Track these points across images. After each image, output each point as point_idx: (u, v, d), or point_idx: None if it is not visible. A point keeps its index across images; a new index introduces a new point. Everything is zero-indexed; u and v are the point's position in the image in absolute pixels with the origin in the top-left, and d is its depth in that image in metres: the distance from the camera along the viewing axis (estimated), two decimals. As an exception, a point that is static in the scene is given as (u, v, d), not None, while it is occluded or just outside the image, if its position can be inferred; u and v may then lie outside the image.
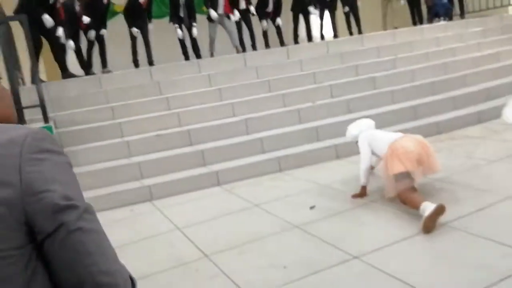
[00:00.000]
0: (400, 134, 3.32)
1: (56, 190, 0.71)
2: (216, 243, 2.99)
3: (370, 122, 3.69)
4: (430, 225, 2.68)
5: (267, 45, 7.87)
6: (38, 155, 0.72)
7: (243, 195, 3.96)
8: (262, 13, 7.80)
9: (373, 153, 3.40)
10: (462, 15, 9.07)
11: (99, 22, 6.60)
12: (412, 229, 2.76)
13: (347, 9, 8.31)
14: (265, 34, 7.93)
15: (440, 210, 2.71)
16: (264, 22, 7.82)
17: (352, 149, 4.74)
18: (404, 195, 2.96)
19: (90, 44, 6.68)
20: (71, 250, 0.72)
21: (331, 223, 3.09)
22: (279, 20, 7.89)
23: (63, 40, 5.81)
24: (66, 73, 6.04)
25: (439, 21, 8.53)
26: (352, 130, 3.65)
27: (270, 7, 7.76)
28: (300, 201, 3.61)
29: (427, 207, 2.73)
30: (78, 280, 0.73)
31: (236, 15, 7.39)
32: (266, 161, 4.59)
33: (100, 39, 6.72)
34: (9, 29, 5.21)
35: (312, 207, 3.41)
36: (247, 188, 4.16)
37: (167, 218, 3.63)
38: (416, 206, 2.84)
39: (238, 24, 7.55)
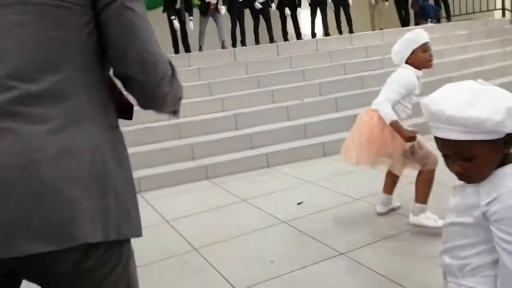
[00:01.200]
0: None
1: None
2: (205, 237, 3.03)
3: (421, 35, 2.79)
4: None
5: (257, 41, 7.91)
6: None
7: (232, 190, 4.00)
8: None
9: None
10: (448, 18, 9.23)
11: None
12: (398, 227, 2.84)
13: (332, 5, 8.45)
14: (268, 24, 8.01)
15: None
16: (287, 10, 7.99)
17: (339, 147, 4.82)
18: None
19: None
20: (124, 22, 0.91)
21: (318, 219, 3.15)
22: (287, 11, 7.99)
23: None
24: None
25: (426, 23, 8.66)
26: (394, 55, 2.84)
27: None
28: (287, 197, 3.67)
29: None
30: (123, 50, 0.92)
31: (222, 10, 7.46)
32: (254, 157, 4.64)
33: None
34: None
35: (299, 203, 3.47)
36: (236, 183, 4.21)
37: (156, 210, 3.66)
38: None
39: (232, 18, 7.61)
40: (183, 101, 4.91)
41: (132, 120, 1.13)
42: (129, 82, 0.96)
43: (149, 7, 8.62)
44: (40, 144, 0.83)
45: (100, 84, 0.95)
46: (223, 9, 7.46)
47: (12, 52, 0.84)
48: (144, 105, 1.02)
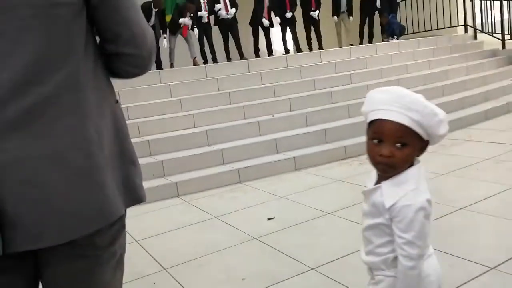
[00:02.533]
0: None
1: None
2: (175, 256, 2.97)
3: None
4: None
5: (228, 57, 7.96)
6: None
7: (203, 207, 3.96)
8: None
9: None
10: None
11: None
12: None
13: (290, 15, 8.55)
14: (237, 41, 8.13)
15: None
16: (266, 21, 8.11)
17: (309, 161, 4.87)
18: None
19: None
20: (114, 5, 0.97)
21: (289, 234, 3.15)
22: (265, 22, 8.17)
23: None
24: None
25: (392, 39, 8.92)
26: None
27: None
28: (259, 212, 3.66)
29: None
30: (117, 30, 0.99)
31: (195, 32, 7.57)
32: (226, 173, 4.62)
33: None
34: None
35: (270, 219, 3.46)
36: (207, 200, 4.17)
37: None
38: None
39: (199, 36, 7.65)
40: (154, 117, 4.91)
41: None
42: (122, 58, 1.03)
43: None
44: (66, 142, 0.91)
45: (101, 66, 1.02)
46: (195, 31, 7.54)
47: (19, 58, 0.88)
48: (132, 75, 1.10)
